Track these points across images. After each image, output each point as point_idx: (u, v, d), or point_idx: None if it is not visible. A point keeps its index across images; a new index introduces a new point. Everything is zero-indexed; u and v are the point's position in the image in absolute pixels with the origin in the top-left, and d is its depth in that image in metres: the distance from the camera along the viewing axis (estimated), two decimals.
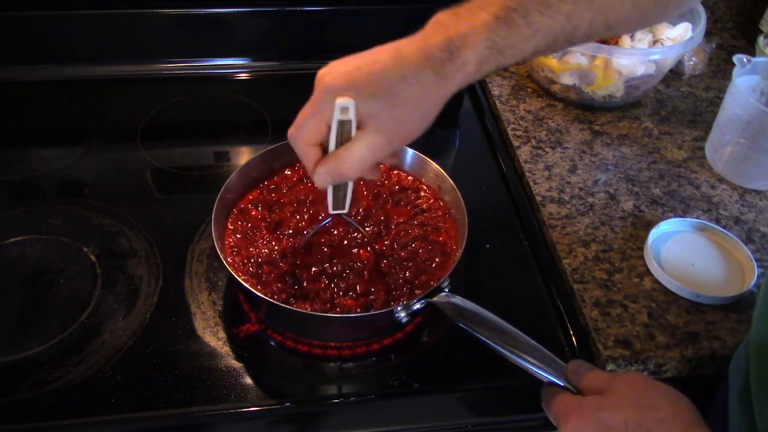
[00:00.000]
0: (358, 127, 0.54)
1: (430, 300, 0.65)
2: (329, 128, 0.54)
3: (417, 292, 0.68)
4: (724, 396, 0.67)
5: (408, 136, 0.55)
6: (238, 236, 0.73)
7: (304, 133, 0.55)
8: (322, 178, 0.56)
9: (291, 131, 0.56)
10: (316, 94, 0.54)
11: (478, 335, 0.60)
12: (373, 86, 0.52)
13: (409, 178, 0.81)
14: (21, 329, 0.69)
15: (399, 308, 0.64)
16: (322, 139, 0.55)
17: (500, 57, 0.54)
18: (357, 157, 0.54)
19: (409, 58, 0.52)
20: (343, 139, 0.54)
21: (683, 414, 0.50)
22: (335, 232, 0.72)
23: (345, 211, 0.63)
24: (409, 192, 0.79)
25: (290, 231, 0.73)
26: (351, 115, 0.52)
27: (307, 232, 0.71)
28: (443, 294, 0.65)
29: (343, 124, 0.53)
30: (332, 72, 0.53)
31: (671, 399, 0.51)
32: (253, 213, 0.76)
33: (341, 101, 0.51)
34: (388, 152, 0.56)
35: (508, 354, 0.58)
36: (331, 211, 0.63)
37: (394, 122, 0.54)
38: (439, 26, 0.53)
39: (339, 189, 0.61)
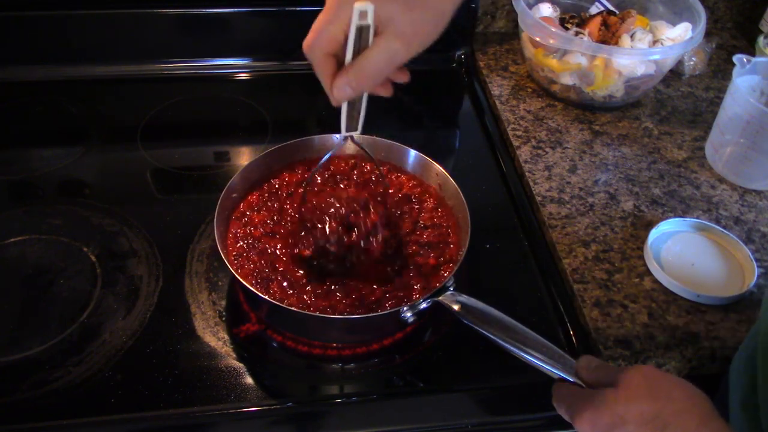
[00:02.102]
0: (375, 34, 0.53)
1: (436, 299, 0.65)
2: (346, 37, 0.52)
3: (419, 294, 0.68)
4: (724, 396, 0.67)
5: (426, 39, 0.54)
6: (240, 237, 0.73)
7: (322, 41, 0.53)
8: (342, 90, 0.54)
9: (307, 41, 0.54)
10: (331, 4, 0.52)
11: (486, 333, 0.60)
12: None
13: (410, 183, 0.81)
14: (21, 329, 0.69)
15: (405, 308, 0.64)
16: (339, 49, 0.54)
17: None
18: (378, 64, 0.53)
19: None
20: (361, 47, 0.53)
21: (699, 406, 0.50)
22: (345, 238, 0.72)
23: (358, 132, 0.62)
24: (413, 198, 0.79)
25: (290, 228, 0.73)
26: (370, 20, 0.51)
27: (319, 162, 0.68)
28: (449, 293, 0.65)
29: (360, 31, 0.52)
30: None
31: (686, 391, 0.51)
32: (255, 213, 0.75)
33: (360, 5, 0.50)
34: (407, 58, 0.54)
35: (517, 351, 0.58)
36: (344, 132, 0.62)
37: (411, 25, 0.53)
38: None
39: (353, 106, 0.59)
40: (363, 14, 0.51)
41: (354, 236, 0.68)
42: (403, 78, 0.59)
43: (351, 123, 0.61)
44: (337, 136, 0.62)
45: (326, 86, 0.55)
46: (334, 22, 0.52)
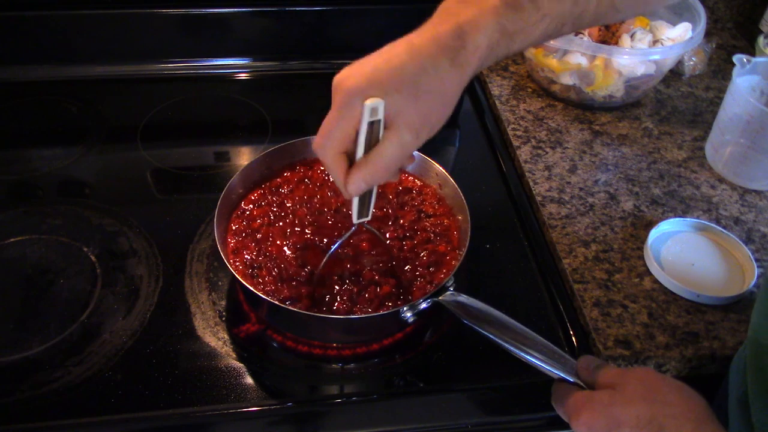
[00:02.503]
0: (385, 127, 0.53)
1: (436, 299, 0.65)
2: (356, 133, 0.53)
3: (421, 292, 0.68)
4: (723, 396, 0.67)
5: (434, 127, 0.55)
6: (240, 237, 0.73)
7: (333, 141, 0.53)
8: (357, 185, 0.55)
9: (318, 141, 0.54)
10: (340, 99, 0.52)
11: (485, 333, 0.60)
12: (396, 83, 0.51)
13: (411, 178, 0.81)
14: (21, 329, 0.69)
15: (405, 308, 0.64)
16: (350, 146, 0.54)
17: (510, 42, 0.54)
18: (390, 157, 0.54)
19: (424, 50, 0.52)
20: (371, 141, 0.53)
21: (695, 410, 0.50)
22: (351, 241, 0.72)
23: (369, 219, 0.63)
24: (414, 193, 0.79)
25: (290, 230, 0.74)
26: (380, 115, 0.52)
27: (330, 248, 0.69)
28: (449, 293, 0.65)
29: (371, 127, 0.52)
30: (352, 75, 0.52)
31: (683, 394, 0.51)
32: (255, 213, 0.76)
33: (371, 103, 0.51)
34: (416, 147, 0.55)
35: (517, 351, 0.58)
36: (356, 221, 0.62)
37: (419, 116, 0.53)
38: (447, 14, 0.53)
39: (365, 196, 0.60)
40: (374, 111, 0.51)
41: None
42: (409, 164, 0.59)
43: (362, 210, 0.62)
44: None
45: (340, 182, 0.55)
46: (344, 120, 0.52)
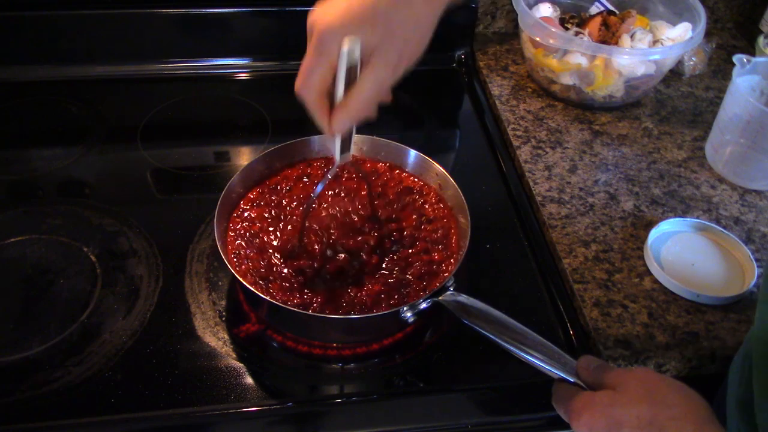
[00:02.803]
0: (362, 64, 0.53)
1: (436, 299, 0.65)
2: (335, 74, 0.53)
3: (422, 293, 0.68)
4: (723, 397, 0.67)
5: (411, 59, 0.55)
6: (240, 237, 0.73)
7: (314, 82, 0.54)
8: (342, 124, 0.56)
9: (300, 84, 0.55)
10: (316, 40, 0.52)
11: (485, 333, 0.60)
12: (370, 19, 0.52)
13: (411, 178, 0.81)
14: (21, 329, 0.69)
15: (405, 308, 0.64)
16: (329, 86, 0.55)
17: None
18: (371, 93, 0.54)
19: None
20: (350, 79, 0.54)
21: (696, 411, 0.50)
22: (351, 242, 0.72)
23: (350, 155, 0.63)
24: (415, 194, 0.79)
25: (290, 229, 0.74)
26: (357, 54, 0.52)
27: (315, 188, 0.70)
28: (449, 293, 0.65)
29: (349, 66, 0.53)
30: (326, 14, 0.52)
31: (684, 396, 0.51)
32: (255, 213, 0.76)
33: (347, 45, 0.51)
34: (394, 82, 0.56)
35: (517, 351, 0.58)
36: (339, 161, 0.63)
37: (395, 51, 0.54)
38: None
39: (346, 132, 0.61)
40: (350, 52, 0.51)
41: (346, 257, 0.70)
42: (388, 99, 0.60)
43: (344, 148, 0.62)
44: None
45: (323, 123, 0.56)
46: (323, 60, 0.53)
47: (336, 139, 0.60)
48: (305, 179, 0.80)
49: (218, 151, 0.96)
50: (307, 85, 0.54)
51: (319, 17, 0.52)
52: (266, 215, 0.75)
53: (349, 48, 0.51)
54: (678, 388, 0.51)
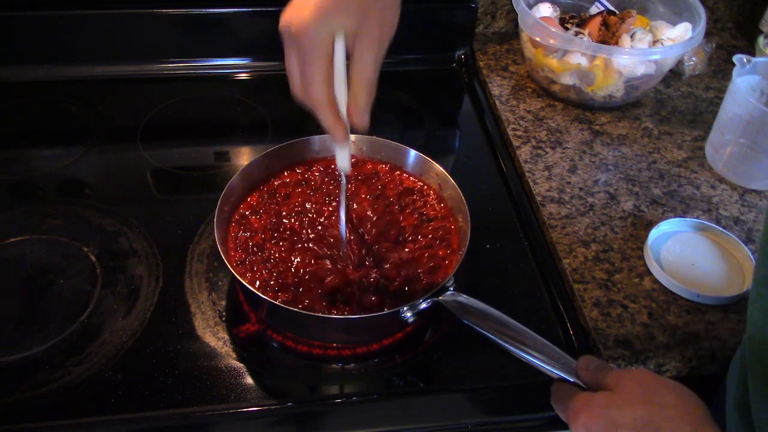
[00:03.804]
0: (349, 51, 0.53)
1: (436, 299, 0.65)
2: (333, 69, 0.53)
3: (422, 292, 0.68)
4: (722, 397, 0.67)
5: (391, 30, 0.55)
6: (240, 236, 0.73)
7: (319, 83, 0.53)
8: (365, 112, 0.55)
9: (302, 89, 0.54)
10: (300, 40, 0.51)
11: (485, 333, 0.60)
12: (344, 6, 0.51)
13: (411, 179, 0.81)
14: (21, 329, 0.69)
15: (405, 308, 0.64)
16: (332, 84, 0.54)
17: None
18: (372, 76, 0.54)
19: None
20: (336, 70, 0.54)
21: (692, 412, 0.50)
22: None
23: (349, 168, 0.63)
24: (415, 195, 0.79)
25: (290, 231, 0.74)
26: (348, 44, 0.52)
27: (337, 209, 0.71)
28: (449, 293, 0.65)
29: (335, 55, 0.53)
30: (300, 12, 0.51)
31: (681, 396, 0.51)
32: (255, 213, 0.75)
33: (340, 37, 0.51)
34: (384, 55, 0.55)
35: (517, 351, 0.58)
36: (348, 170, 0.63)
37: (377, 27, 0.53)
38: None
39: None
40: (338, 42, 0.52)
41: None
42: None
43: (349, 155, 0.62)
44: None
45: (336, 125, 0.55)
46: (317, 59, 0.52)
47: (347, 144, 0.59)
48: (304, 184, 0.80)
49: (218, 151, 0.96)
50: (313, 88, 0.53)
51: (293, 17, 0.51)
52: (267, 216, 0.75)
53: (342, 42, 0.51)
54: (675, 389, 0.51)
